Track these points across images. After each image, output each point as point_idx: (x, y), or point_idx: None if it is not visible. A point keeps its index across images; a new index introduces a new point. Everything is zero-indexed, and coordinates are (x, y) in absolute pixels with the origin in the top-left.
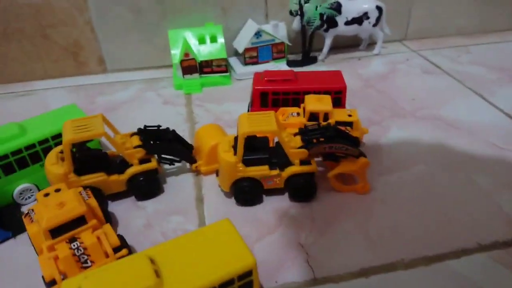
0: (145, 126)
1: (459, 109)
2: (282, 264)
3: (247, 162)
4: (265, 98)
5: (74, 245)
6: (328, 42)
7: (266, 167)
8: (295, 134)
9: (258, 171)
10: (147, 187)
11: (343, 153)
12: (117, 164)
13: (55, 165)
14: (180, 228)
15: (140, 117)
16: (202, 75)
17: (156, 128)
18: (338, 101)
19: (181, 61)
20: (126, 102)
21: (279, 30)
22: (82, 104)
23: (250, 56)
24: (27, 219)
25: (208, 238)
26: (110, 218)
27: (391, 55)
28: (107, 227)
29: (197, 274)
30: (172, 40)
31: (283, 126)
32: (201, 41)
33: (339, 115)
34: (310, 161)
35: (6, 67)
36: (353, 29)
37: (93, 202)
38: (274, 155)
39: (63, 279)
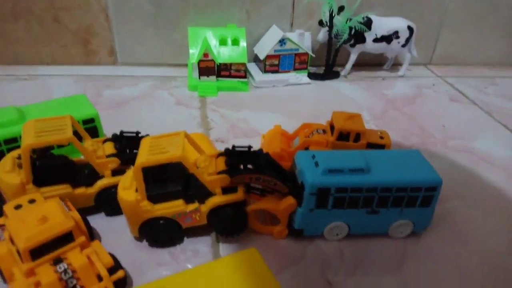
0: (122, 132)
1: (490, 143)
2: None
3: (154, 198)
4: None
5: (60, 267)
6: (353, 57)
7: (180, 201)
8: (218, 155)
9: (170, 208)
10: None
11: (270, 187)
12: (85, 175)
13: (10, 173)
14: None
15: (150, 116)
16: (219, 78)
17: (134, 135)
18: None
19: (199, 61)
20: (135, 99)
21: (305, 39)
22: (88, 96)
23: (271, 64)
24: None
25: (235, 266)
26: (93, 234)
27: (417, 79)
28: (97, 244)
29: None
30: (192, 38)
31: (203, 150)
32: (222, 42)
33: (370, 136)
34: (236, 187)
35: (10, 47)
36: (381, 47)
37: (76, 215)
38: (192, 185)
39: None
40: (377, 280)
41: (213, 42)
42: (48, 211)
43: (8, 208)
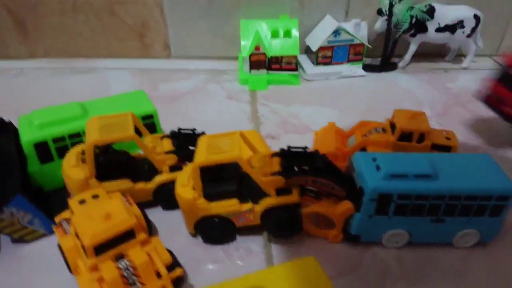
0: (179, 129)
1: None
2: None
3: (210, 197)
4: None
5: (122, 264)
6: (413, 48)
7: (235, 201)
8: (273, 155)
9: (225, 207)
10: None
11: (327, 191)
12: (145, 170)
13: (75, 168)
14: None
15: (203, 111)
16: (269, 71)
17: (191, 132)
18: None
19: (250, 55)
20: (189, 93)
21: (361, 29)
22: (145, 90)
23: (324, 56)
24: (59, 231)
25: (293, 274)
26: (152, 229)
27: (482, 71)
28: (156, 241)
29: None
30: (244, 31)
31: (257, 150)
32: (274, 34)
33: (435, 137)
34: (291, 189)
35: (70, 40)
36: (444, 37)
37: (137, 210)
38: (247, 185)
39: None
40: None
41: (265, 35)
42: (111, 208)
43: (73, 202)
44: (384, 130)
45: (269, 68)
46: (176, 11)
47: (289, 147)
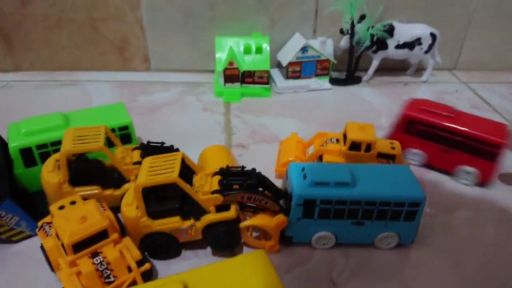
0: (148, 142)
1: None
2: None
3: (153, 215)
4: (411, 126)
5: (97, 260)
6: (375, 63)
7: (177, 218)
8: (214, 174)
9: (168, 224)
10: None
11: (262, 206)
12: (114, 178)
13: (50, 173)
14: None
15: (179, 122)
16: (243, 85)
17: (159, 145)
18: (493, 156)
19: (225, 69)
20: (166, 104)
21: (327, 47)
22: (124, 101)
23: (293, 70)
24: (42, 233)
25: (242, 268)
26: (124, 231)
27: (440, 84)
28: (128, 240)
29: None
30: (219, 47)
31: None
32: (247, 51)
33: (381, 146)
34: (230, 205)
35: (55, 54)
36: (403, 53)
37: (110, 214)
38: (188, 203)
39: None
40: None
41: (238, 50)
42: (87, 211)
43: (53, 208)
44: (338, 140)
45: (242, 82)
46: (155, 26)
47: (228, 167)
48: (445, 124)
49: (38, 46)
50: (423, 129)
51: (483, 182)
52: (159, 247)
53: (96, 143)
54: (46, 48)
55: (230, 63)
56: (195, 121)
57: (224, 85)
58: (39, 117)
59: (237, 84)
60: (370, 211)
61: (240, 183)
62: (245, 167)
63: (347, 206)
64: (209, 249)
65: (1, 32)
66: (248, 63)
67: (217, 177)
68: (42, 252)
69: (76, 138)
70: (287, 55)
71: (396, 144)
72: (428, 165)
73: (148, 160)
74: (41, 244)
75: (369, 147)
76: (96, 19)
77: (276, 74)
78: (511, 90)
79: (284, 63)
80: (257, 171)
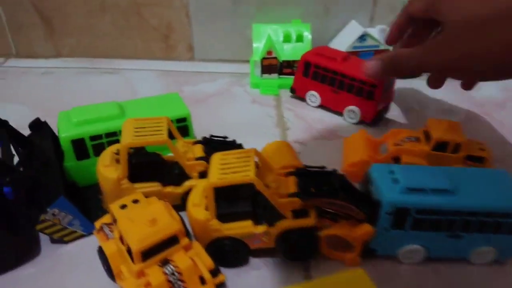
0: (211, 136)
1: None
2: None
3: (223, 218)
4: (308, 69)
5: (168, 269)
6: None
7: (249, 222)
8: (288, 174)
9: (239, 228)
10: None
11: (345, 213)
12: (175, 175)
13: (108, 167)
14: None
15: (229, 114)
16: (281, 76)
17: (222, 139)
18: (371, 95)
19: (262, 59)
20: (214, 95)
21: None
22: (170, 91)
23: None
24: (101, 235)
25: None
26: (189, 235)
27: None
28: (197, 246)
29: None
30: (256, 35)
31: (275, 167)
32: (286, 39)
33: (470, 148)
34: (308, 211)
35: (97, 41)
36: None
37: (176, 215)
38: (261, 206)
39: None
40: None
41: (277, 39)
42: (155, 212)
43: (114, 207)
44: (417, 139)
45: (281, 73)
46: (201, 13)
47: (306, 166)
48: (333, 66)
49: (79, 31)
50: (316, 71)
51: (364, 120)
52: (227, 253)
53: (160, 135)
54: (88, 33)
55: (269, 52)
56: (246, 114)
57: (261, 76)
58: (91, 106)
59: (275, 75)
60: (469, 222)
61: (322, 185)
62: (325, 167)
63: (446, 216)
64: (277, 258)
65: (42, 15)
66: (287, 52)
67: (293, 178)
68: (99, 256)
69: (136, 130)
70: (342, 44)
71: (485, 145)
72: (323, 106)
73: (217, 156)
74: (99, 247)
75: (457, 148)
76: (140, 4)
77: None
78: None
79: None
80: None
